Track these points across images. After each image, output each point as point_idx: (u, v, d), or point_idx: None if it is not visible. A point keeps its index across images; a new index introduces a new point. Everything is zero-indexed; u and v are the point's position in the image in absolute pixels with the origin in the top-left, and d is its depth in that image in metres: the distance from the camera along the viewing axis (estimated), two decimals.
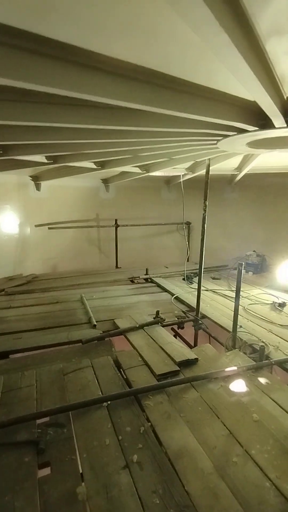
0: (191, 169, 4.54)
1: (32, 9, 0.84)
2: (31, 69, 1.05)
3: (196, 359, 2.56)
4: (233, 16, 0.83)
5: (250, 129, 2.03)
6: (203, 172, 3.27)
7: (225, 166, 4.26)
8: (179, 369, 2.43)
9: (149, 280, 5.05)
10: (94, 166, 3.74)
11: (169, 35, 1.05)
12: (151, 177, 5.21)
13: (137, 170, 4.21)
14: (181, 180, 4.82)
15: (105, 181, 5.55)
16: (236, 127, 2.02)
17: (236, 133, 2.18)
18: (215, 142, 2.49)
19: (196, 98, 1.60)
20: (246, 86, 1.27)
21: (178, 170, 4.59)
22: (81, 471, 1.58)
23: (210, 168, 3.17)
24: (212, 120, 1.78)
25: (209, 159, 3.14)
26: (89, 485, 1.49)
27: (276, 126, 1.90)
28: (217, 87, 1.58)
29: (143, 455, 1.66)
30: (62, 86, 1.13)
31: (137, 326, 3.14)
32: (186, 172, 4.66)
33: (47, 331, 3.11)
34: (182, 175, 4.84)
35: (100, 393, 2.16)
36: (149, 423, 1.89)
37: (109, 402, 2.05)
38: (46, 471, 1.61)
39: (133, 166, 3.96)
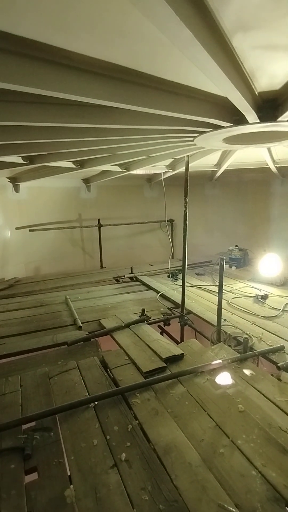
0: (171, 166, 4.56)
1: None
2: None
3: (182, 355, 2.58)
4: (195, 11, 0.83)
5: (224, 125, 2.06)
6: (183, 169, 3.29)
7: (204, 162, 4.31)
8: (165, 365, 2.44)
9: (134, 278, 5.04)
10: (73, 166, 3.70)
11: (136, 32, 1.04)
12: (133, 176, 5.20)
13: (117, 168, 4.19)
14: (162, 178, 4.83)
15: (86, 181, 5.49)
16: (211, 123, 2.04)
17: (211, 129, 2.21)
18: (192, 138, 2.51)
19: (169, 95, 1.60)
20: (216, 83, 1.28)
21: (159, 168, 4.60)
22: (69, 474, 1.56)
23: (190, 164, 3.19)
24: (186, 117, 1.79)
25: (187, 156, 3.17)
26: (77, 487, 1.47)
27: (250, 121, 1.93)
28: (189, 84, 1.59)
29: (131, 453, 1.66)
30: (27, 83, 1.10)
31: (123, 325, 3.13)
32: (167, 170, 4.69)
33: (31, 335, 3.06)
34: (163, 172, 4.85)
35: (87, 394, 2.14)
36: (137, 421, 1.89)
37: (96, 403, 2.03)
38: (33, 476, 1.58)
39: (112, 165, 3.94)
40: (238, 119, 1.98)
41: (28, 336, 3.03)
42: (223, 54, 1.11)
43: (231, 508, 1.31)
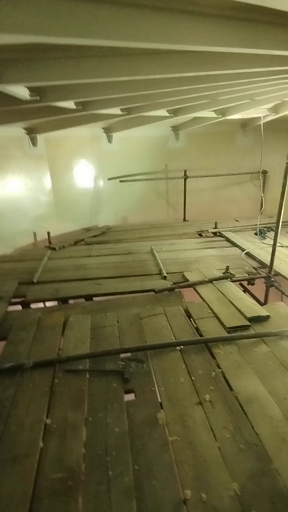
0: (274, 109, 4.01)
1: None
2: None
3: (268, 316, 2.56)
4: None
5: None
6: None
7: None
8: (249, 324, 2.48)
9: (217, 234, 4.95)
10: (167, 114, 3.57)
11: None
12: (225, 121, 4.75)
13: (212, 114, 3.89)
14: (262, 122, 4.31)
15: (175, 129, 5.28)
16: None
17: None
18: None
19: None
20: None
21: (259, 111, 4.09)
22: (160, 401, 1.83)
23: None
24: None
25: None
26: (168, 414, 1.73)
27: None
28: None
29: (214, 396, 1.83)
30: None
31: (206, 280, 3.21)
32: (268, 113, 4.15)
33: (122, 279, 3.40)
34: (263, 116, 4.31)
35: (173, 338, 2.36)
36: (220, 370, 2.04)
37: (182, 347, 2.24)
38: (130, 397, 1.90)
39: (208, 111, 3.67)
40: None
41: (119, 280, 3.39)
42: None
43: None
